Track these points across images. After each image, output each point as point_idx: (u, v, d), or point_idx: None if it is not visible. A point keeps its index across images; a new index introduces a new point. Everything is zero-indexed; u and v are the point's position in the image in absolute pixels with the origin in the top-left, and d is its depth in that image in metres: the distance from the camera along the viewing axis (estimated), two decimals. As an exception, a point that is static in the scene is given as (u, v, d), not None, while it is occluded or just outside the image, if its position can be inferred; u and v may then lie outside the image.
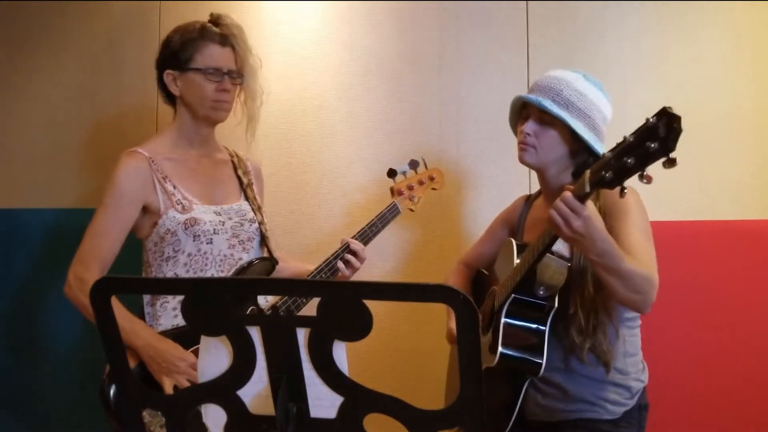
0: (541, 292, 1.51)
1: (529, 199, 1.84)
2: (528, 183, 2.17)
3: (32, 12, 2.41)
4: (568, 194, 1.29)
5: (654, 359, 1.66)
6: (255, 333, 0.91)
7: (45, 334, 2.33)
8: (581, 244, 1.34)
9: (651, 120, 1.14)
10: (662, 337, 2.03)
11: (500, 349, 1.52)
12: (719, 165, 2.14)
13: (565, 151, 1.61)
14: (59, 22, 2.40)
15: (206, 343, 0.94)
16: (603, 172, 1.21)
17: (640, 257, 1.43)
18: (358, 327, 0.87)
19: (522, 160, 1.65)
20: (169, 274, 1.64)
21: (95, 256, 1.61)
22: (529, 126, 1.60)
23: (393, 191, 1.89)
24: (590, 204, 1.31)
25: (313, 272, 1.71)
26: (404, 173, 1.90)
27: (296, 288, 1.10)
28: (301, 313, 1.63)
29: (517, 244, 1.62)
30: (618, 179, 1.20)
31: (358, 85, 2.30)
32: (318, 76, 2.30)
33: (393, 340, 2.22)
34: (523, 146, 1.62)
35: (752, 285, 2.10)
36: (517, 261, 1.57)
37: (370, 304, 0.86)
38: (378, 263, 2.23)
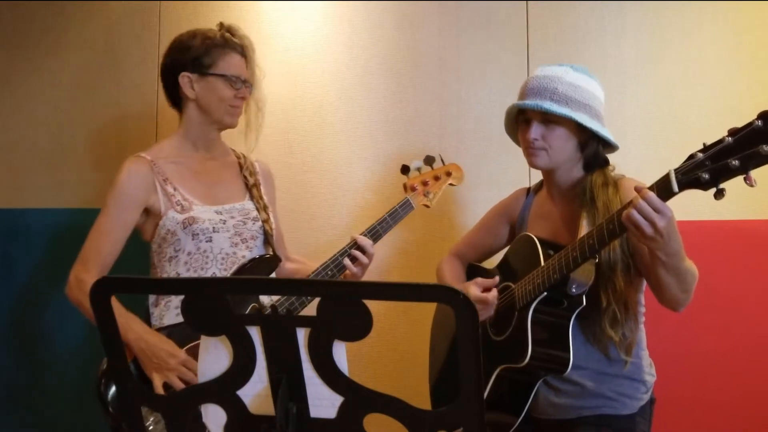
0: (574, 290, 1.48)
1: (529, 192, 1.82)
2: (528, 182, 2.16)
3: (32, 12, 2.41)
4: (652, 195, 1.24)
5: (654, 357, 1.66)
6: (255, 333, 0.91)
7: (47, 334, 2.33)
8: (657, 244, 1.29)
9: (757, 123, 1.12)
10: (662, 336, 2.03)
11: (530, 348, 1.49)
12: (719, 165, 2.13)
13: (574, 145, 1.60)
14: (59, 22, 2.41)
15: (206, 343, 0.94)
16: (697, 173, 1.18)
17: None
18: (358, 327, 0.87)
19: (534, 166, 1.62)
20: (172, 274, 1.66)
21: (96, 258, 1.63)
22: (535, 130, 1.57)
23: (406, 187, 1.84)
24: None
25: (317, 269, 1.70)
26: (418, 169, 1.84)
27: (296, 288, 1.10)
28: (301, 313, 1.63)
29: (541, 241, 1.58)
30: (716, 180, 1.17)
31: (358, 85, 2.30)
32: (318, 76, 2.30)
33: (393, 340, 2.22)
34: (532, 151, 1.59)
35: (752, 285, 2.10)
36: (544, 259, 1.53)
37: (369, 304, 0.86)
38: (377, 263, 2.22)
